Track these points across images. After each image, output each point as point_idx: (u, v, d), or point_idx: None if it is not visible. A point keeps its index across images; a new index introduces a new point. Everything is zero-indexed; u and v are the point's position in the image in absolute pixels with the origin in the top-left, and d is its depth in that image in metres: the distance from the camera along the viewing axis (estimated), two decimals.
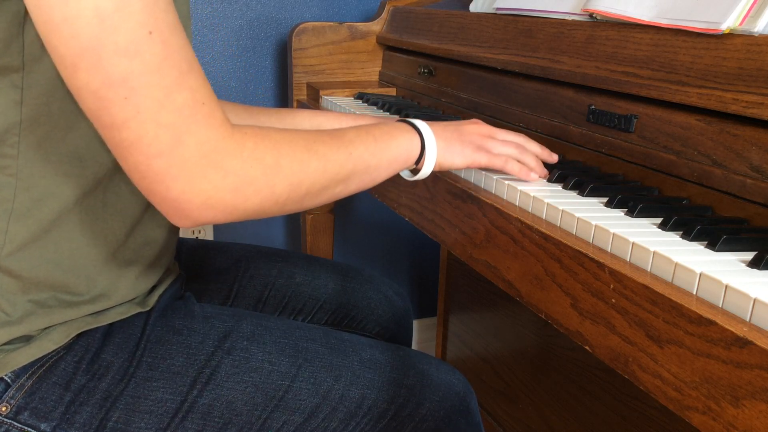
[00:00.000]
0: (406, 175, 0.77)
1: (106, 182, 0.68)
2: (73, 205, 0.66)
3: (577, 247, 0.59)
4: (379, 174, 0.70)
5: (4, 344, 0.65)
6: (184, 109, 0.54)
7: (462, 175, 0.83)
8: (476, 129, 0.78)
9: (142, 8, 0.51)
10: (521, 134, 0.82)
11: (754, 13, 0.67)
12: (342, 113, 0.96)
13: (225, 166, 0.57)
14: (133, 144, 0.54)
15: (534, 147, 0.80)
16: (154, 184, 0.55)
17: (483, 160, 0.75)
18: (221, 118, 0.57)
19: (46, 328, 0.67)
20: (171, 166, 0.54)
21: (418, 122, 0.74)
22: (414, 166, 0.74)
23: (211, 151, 0.56)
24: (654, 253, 0.55)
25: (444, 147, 0.74)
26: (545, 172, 0.78)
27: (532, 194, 0.70)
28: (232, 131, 0.58)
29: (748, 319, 0.47)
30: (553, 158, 0.81)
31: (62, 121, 0.63)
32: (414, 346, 1.80)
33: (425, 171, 0.74)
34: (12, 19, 0.58)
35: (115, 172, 0.67)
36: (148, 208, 0.72)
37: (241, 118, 0.93)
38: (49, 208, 0.65)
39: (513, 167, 0.75)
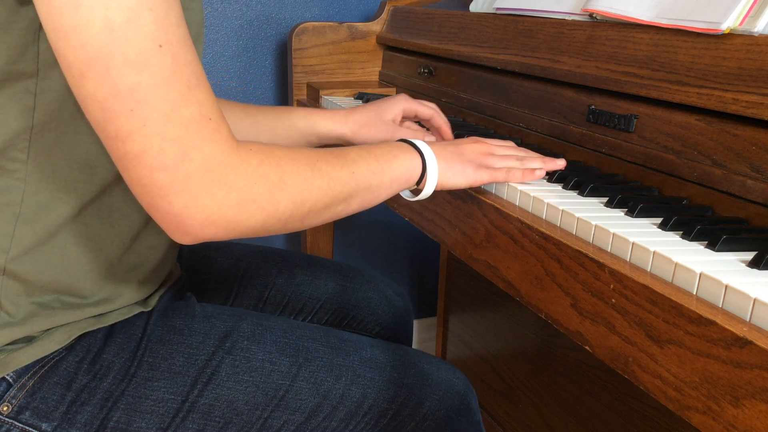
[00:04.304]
0: (406, 195, 0.76)
1: (114, 188, 0.68)
2: (80, 210, 0.66)
3: (577, 247, 0.59)
4: (380, 193, 0.70)
5: (6, 344, 0.65)
6: (191, 123, 0.54)
7: None
8: (475, 148, 0.76)
9: (153, 21, 0.51)
10: (521, 148, 0.81)
11: (754, 13, 0.67)
12: (335, 110, 0.96)
13: (229, 182, 0.56)
14: (137, 157, 0.53)
15: (534, 161, 0.78)
16: (156, 198, 0.55)
17: (485, 177, 0.74)
18: (226, 134, 0.57)
19: (48, 329, 0.67)
20: (175, 180, 0.54)
21: (419, 142, 0.74)
22: (415, 186, 0.74)
23: (216, 166, 0.55)
24: (654, 253, 0.55)
25: (445, 167, 0.73)
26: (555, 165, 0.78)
27: (532, 194, 0.70)
28: (237, 147, 0.57)
29: (748, 319, 0.47)
30: (559, 164, 0.78)
31: (73, 127, 0.63)
32: (414, 346, 1.80)
33: (427, 191, 0.73)
34: (28, 26, 0.58)
35: (123, 178, 0.67)
36: None
37: (237, 116, 0.93)
38: (56, 213, 0.65)
39: (515, 175, 0.74)
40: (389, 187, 0.70)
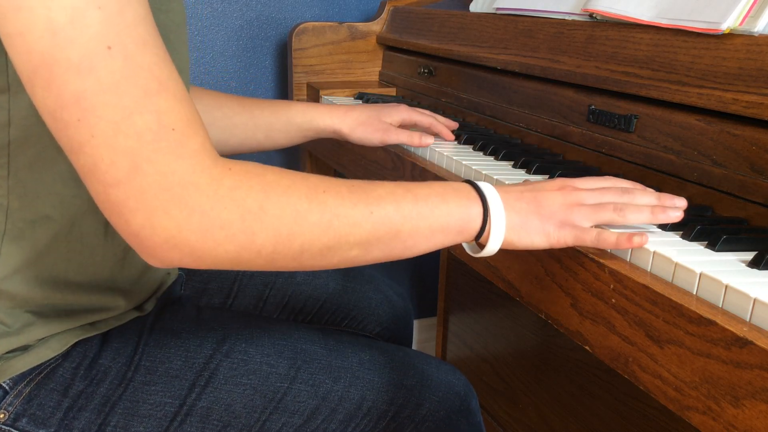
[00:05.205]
0: (467, 248, 0.64)
1: None
2: (69, 226, 0.65)
3: (577, 247, 0.59)
4: (417, 243, 0.58)
5: (3, 353, 0.65)
6: (145, 133, 0.48)
7: (463, 174, 0.83)
8: (560, 198, 0.60)
9: (102, 20, 0.47)
10: (621, 181, 0.64)
11: (754, 13, 0.67)
12: (334, 105, 0.97)
13: (191, 202, 0.50)
14: (91, 171, 0.49)
15: (644, 198, 0.61)
16: (113, 216, 0.50)
17: (569, 238, 0.59)
18: (196, 148, 0.50)
19: (44, 338, 0.67)
20: (128, 197, 0.49)
21: (485, 186, 0.60)
22: (473, 241, 0.61)
23: (176, 183, 0.49)
24: (654, 253, 0.55)
25: (518, 222, 0.59)
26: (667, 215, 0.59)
27: None
28: (212, 164, 0.51)
29: (748, 319, 0.47)
30: (676, 212, 0.60)
31: (54, 141, 0.60)
32: (414, 346, 1.79)
33: (490, 248, 0.60)
34: None
35: None
36: None
37: (234, 110, 0.93)
38: (44, 230, 0.63)
39: (607, 240, 0.58)
40: (430, 236, 0.58)
